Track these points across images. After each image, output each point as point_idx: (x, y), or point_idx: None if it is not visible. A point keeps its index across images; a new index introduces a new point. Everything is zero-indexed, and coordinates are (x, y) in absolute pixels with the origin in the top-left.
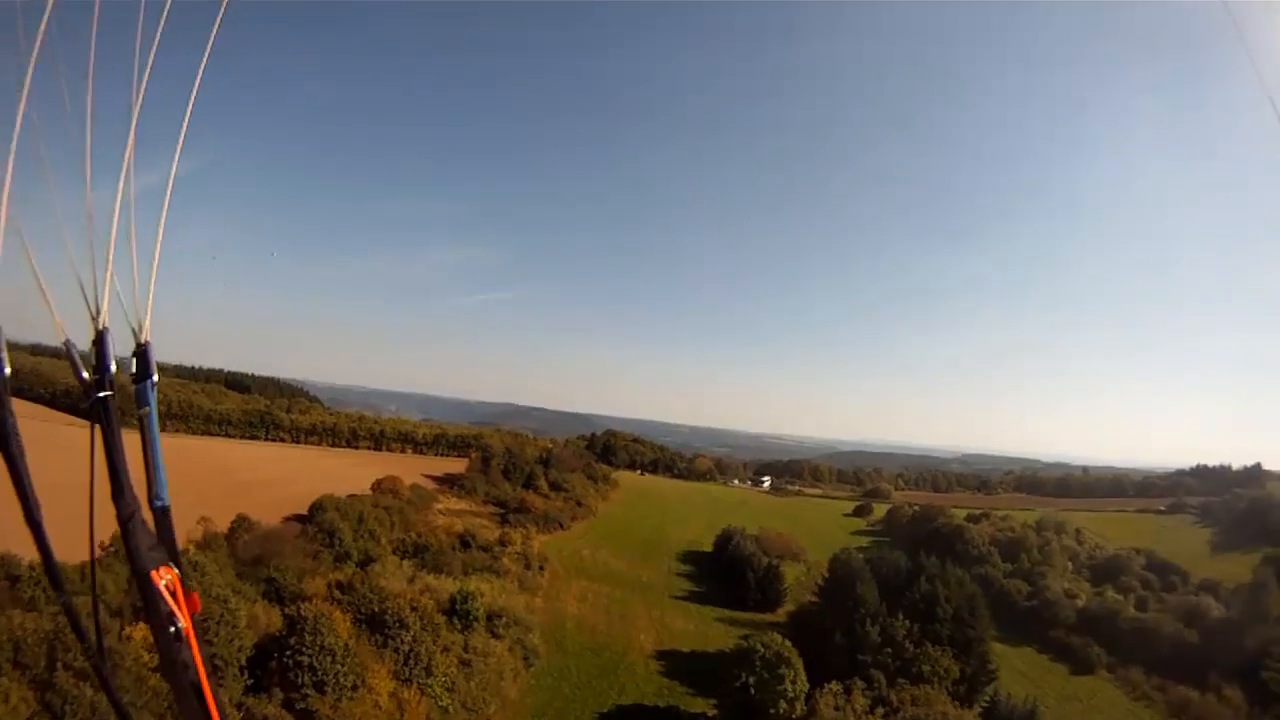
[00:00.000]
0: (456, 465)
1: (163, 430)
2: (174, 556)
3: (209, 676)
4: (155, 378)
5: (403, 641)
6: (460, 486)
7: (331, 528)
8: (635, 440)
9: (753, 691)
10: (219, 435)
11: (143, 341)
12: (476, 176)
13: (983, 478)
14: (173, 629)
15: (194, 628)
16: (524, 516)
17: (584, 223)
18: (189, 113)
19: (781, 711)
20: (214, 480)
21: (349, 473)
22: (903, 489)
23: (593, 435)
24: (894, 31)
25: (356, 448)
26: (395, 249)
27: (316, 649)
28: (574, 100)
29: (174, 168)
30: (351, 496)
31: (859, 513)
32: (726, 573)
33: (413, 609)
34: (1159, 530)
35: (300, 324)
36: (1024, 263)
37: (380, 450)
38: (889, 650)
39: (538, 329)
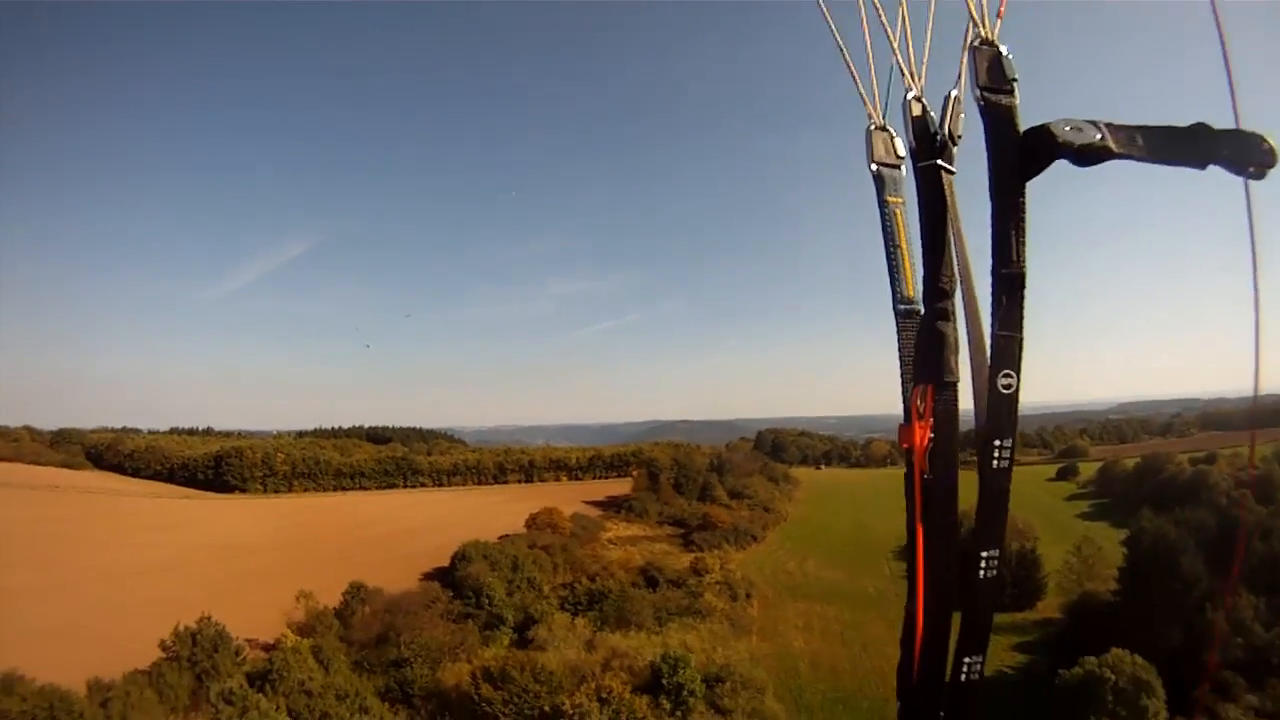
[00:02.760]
0: (618, 487)
1: (289, 491)
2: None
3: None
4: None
5: None
6: (628, 509)
7: (478, 584)
8: (802, 434)
9: None
10: (352, 489)
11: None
12: (589, 210)
13: (1161, 424)
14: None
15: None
16: (710, 534)
17: (693, 237)
18: None
19: None
20: (338, 539)
21: (498, 511)
22: (1092, 444)
23: (758, 434)
24: None
25: (505, 483)
26: (522, 289)
27: None
28: (681, 122)
29: None
30: (503, 539)
31: (1063, 475)
32: None
33: (600, 700)
34: None
35: (441, 375)
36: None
37: (531, 482)
38: (1239, 640)
39: (670, 344)
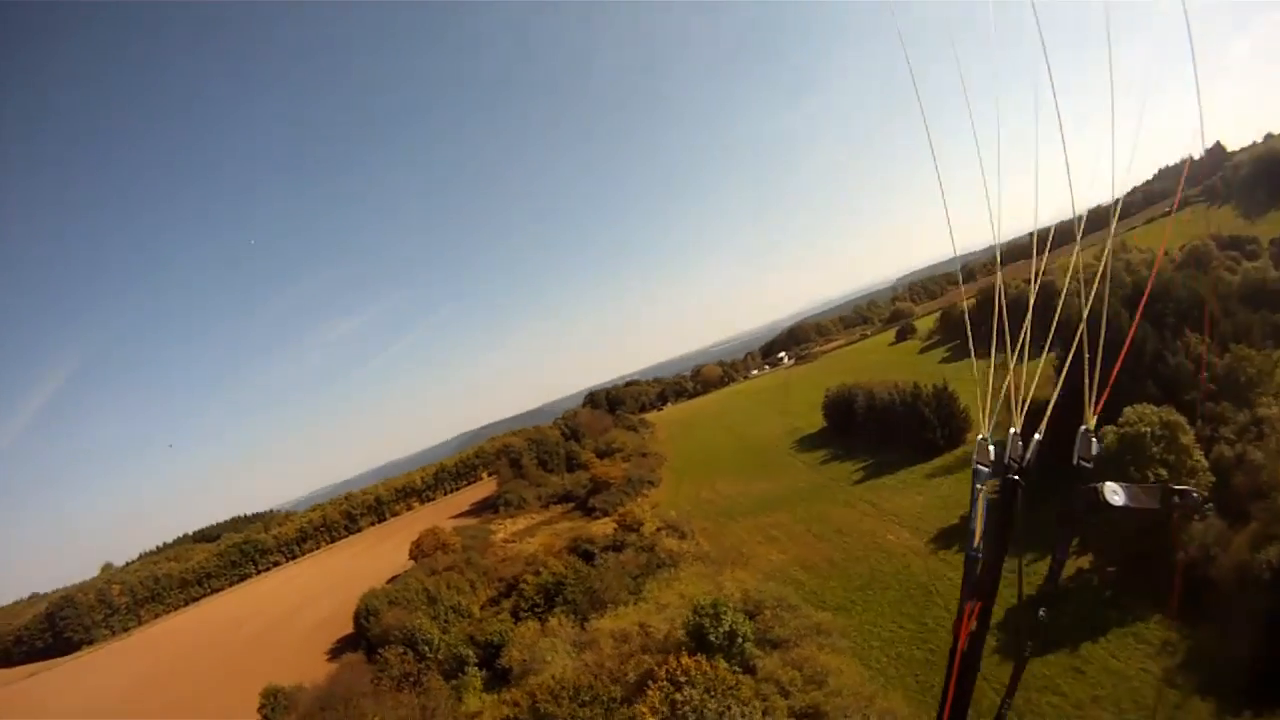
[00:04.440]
0: (478, 492)
1: (139, 624)
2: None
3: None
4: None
5: None
6: (506, 504)
7: (409, 634)
8: (630, 384)
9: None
10: (205, 595)
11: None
12: (337, 239)
13: (951, 280)
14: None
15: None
16: (608, 494)
17: (450, 239)
18: None
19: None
20: (219, 652)
21: (371, 557)
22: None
23: (588, 396)
24: None
25: (359, 530)
26: (296, 341)
27: None
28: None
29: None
30: (394, 580)
31: (903, 336)
32: (877, 434)
33: (678, 684)
34: (1188, 225)
35: (243, 460)
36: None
37: (385, 520)
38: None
39: (456, 350)
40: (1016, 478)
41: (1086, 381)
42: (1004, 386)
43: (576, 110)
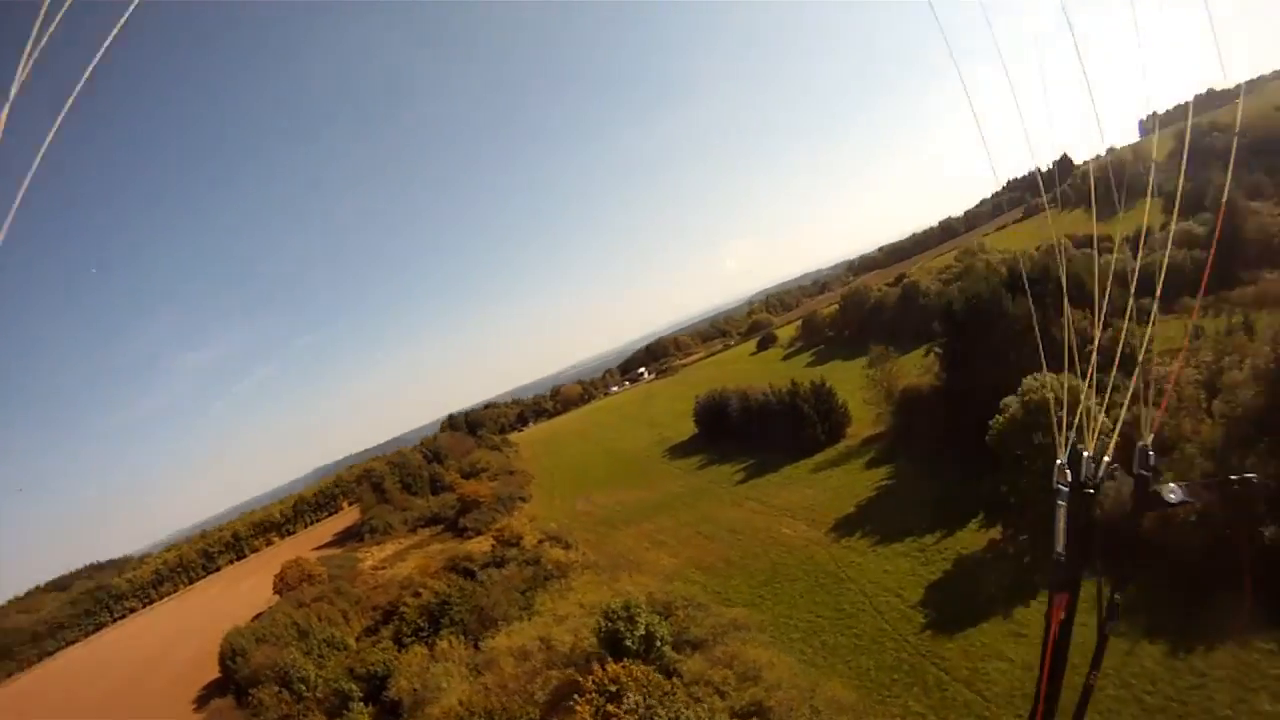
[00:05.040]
0: (340, 522)
1: None
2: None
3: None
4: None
5: None
6: (371, 530)
7: (282, 672)
8: (488, 407)
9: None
10: (59, 648)
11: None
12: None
13: (814, 287)
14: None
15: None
16: (479, 513)
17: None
18: None
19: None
20: (74, 708)
21: (232, 595)
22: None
23: (448, 419)
24: None
25: (218, 570)
26: (151, 376)
27: None
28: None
29: None
30: (258, 618)
31: (764, 346)
32: (754, 436)
33: (610, 694)
34: (1041, 229)
35: (100, 504)
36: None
37: (244, 557)
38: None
39: (309, 384)
40: (1092, 492)
41: (1143, 404)
42: (1079, 411)
43: (421, 139)
